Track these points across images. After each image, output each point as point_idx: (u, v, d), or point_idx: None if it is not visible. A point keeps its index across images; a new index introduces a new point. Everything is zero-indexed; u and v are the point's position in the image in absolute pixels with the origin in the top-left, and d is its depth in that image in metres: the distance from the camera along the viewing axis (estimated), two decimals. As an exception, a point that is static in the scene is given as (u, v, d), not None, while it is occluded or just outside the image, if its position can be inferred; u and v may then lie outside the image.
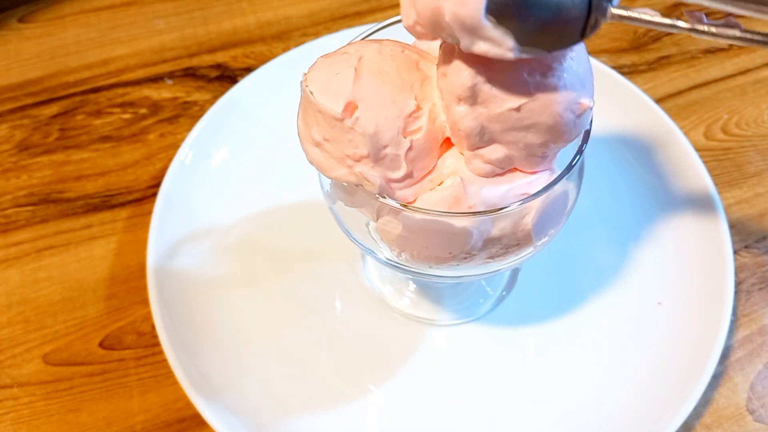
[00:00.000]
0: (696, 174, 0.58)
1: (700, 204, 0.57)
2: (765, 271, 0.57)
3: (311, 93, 0.34)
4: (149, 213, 0.56)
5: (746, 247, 0.58)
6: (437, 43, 0.37)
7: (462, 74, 0.33)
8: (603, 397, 0.49)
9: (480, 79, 0.33)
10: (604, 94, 0.63)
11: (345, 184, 0.36)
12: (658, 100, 0.67)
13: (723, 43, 0.72)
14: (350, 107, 0.33)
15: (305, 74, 0.35)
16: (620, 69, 0.70)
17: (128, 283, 0.56)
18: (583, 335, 0.52)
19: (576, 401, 0.49)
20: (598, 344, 0.52)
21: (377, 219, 0.38)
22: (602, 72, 0.64)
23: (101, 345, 0.53)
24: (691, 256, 0.55)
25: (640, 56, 0.72)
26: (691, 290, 0.53)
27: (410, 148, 0.34)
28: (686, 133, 0.62)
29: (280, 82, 0.65)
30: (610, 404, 0.49)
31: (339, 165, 0.35)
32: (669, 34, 0.74)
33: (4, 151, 0.64)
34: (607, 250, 0.57)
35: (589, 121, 0.36)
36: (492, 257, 0.39)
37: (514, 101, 0.33)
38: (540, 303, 0.54)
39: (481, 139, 0.34)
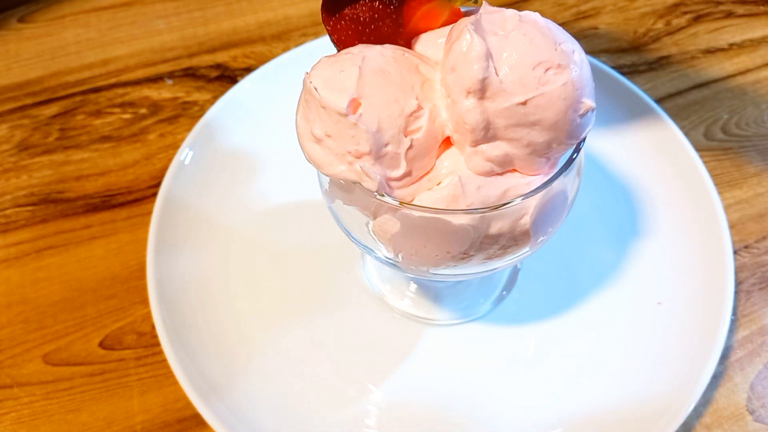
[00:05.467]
0: (696, 174, 0.58)
1: (700, 204, 0.57)
2: (765, 271, 0.57)
3: (315, 89, 0.34)
4: (149, 213, 0.56)
5: (746, 247, 0.58)
6: (435, 48, 0.38)
7: (473, 67, 0.33)
8: (603, 397, 0.49)
9: (491, 72, 0.33)
10: (604, 94, 0.64)
11: (343, 181, 0.37)
12: (658, 100, 0.67)
13: (723, 43, 0.72)
14: (354, 103, 0.34)
15: (308, 72, 0.36)
16: (620, 69, 0.70)
17: (128, 283, 0.56)
18: (583, 335, 0.52)
19: (576, 401, 0.49)
20: (598, 344, 0.52)
21: (375, 218, 0.38)
22: (602, 72, 0.64)
23: (101, 345, 0.53)
24: (691, 256, 0.55)
25: (640, 56, 0.72)
26: (691, 290, 0.53)
27: (410, 147, 0.35)
28: (686, 133, 0.62)
29: (280, 82, 0.65)
30: (610, 404, 0.49)
31: (339, 161, 0.35)
32: (669, 33, 0.74)
33: (4, 151, 0.64)
34: (607, 249, 0.57)
35: (591, 123, 0.36)
36: (490, 257, 0.39)
37: (521, 95, 0.33)
38: (540, 303, 0.54)
39: (485, 134, 0.35)
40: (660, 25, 0.74)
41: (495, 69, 0.33)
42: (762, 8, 0.75)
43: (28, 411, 0.50)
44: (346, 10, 0.37)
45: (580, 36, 0.73)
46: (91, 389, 0.51)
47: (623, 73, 0.66)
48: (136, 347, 0.53)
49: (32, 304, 0.55)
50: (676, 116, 0.65)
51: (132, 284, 0.56)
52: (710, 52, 0.72)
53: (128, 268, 0.57)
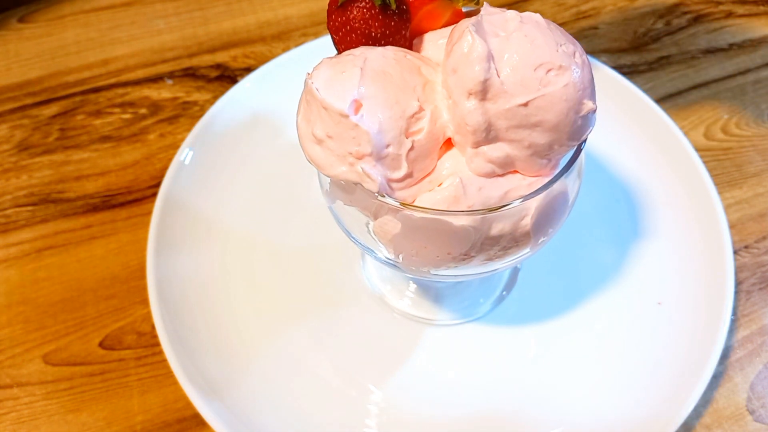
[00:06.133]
0: (696, 174, 0.58)
1: (700, 204, 0.57)
2: (765, 271, 0.57)
3: (317, 89, 0.34)
4: (149, 213, 0.56)
5: (746, 247, 0.58)
6: (436, 49, 0.38)
7: (475, 68, 0.33)
8: (603, 397, 0.49)
9: (492, 74, 0.33)
10: (604, 94, 0.63)
11: (344, 182, 0.37)
12: (658, 100, 0.67)
13: (723, 43, 0.72)
14: (356, 104, 0.34)
15: (310, 72, 0.36)
16: (620, 69, 0.69)
17: (128, 283, 0.56)
18: (583, 335, 0.52)
19: (576, 401, 0.49)
20: (598, 344, 0.52)
21: (375, 218, 0.38)
22: (602, 72, 0.64)
23: (101, 345, 0.53)
24: (691, 256, 0.55)
25: (640, 56, 0.72)
26: (691, 290, 0.53)
27: (411, 149, 0.35)
28: (686, 133, 0.62)
29: (280, 82, 0.65)
30: (610, 404, 0.49)
31: (340, 162, 0.35)
32: (669, 33, 0.74)
33: (4, 151, 0.64)
34: (607, 250, 0.57)
35: (592, 124, 0.36)
36: (491, 258, 0.39)
37: (522, 97, 0.33)
38: (540, 303, 0.54)
39: (487, 136, 0.35)
40: (660, 25, 0.74)
41: (496, 70, 0.33)
42: (762, 8, 0.75)
43: (28, 411, 0.50)
44: (357, 25, 0.36)
45: (580, 36, 0.73)
46: (91, 389, 0.51)
47: (623, 73, 0.66)
48: (136, 347, 0.53)
49: (32, 304, 0.55)
50: (676, 116, 0.65)
51: (132, 284, 0.56)
52: (710, 52, 0.72)
53: (128, 268, 0.57)
